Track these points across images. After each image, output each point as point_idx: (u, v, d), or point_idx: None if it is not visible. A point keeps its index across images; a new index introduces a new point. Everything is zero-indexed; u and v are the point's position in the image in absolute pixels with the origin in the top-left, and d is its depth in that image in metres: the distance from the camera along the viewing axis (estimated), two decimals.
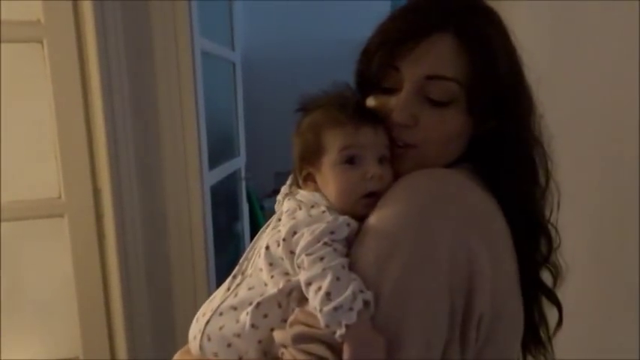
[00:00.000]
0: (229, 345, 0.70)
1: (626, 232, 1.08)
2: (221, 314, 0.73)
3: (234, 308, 0.72)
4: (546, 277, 0.83)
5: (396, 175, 0.74)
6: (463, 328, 0.64)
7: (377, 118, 0.74)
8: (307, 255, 0.64)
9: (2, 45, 1.61)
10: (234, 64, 2.77)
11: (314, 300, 0.61)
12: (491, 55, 0.72)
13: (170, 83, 1.85)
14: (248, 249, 0.81)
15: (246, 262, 0.79)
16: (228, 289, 0.76)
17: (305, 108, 0.79)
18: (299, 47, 3.77)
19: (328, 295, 0.60)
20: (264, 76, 3.63)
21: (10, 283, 1.78)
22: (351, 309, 0.58)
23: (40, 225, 1.75)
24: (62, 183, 1.69)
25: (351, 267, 0.64)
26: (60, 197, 1.71)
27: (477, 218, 0.68)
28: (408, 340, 0.61)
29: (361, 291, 0.60)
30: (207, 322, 0.74)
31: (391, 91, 0.75)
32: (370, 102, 0.78)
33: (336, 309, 0.59)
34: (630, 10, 1.04)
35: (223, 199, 2.65)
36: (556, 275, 0.82)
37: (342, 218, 0.68)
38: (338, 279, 0.61)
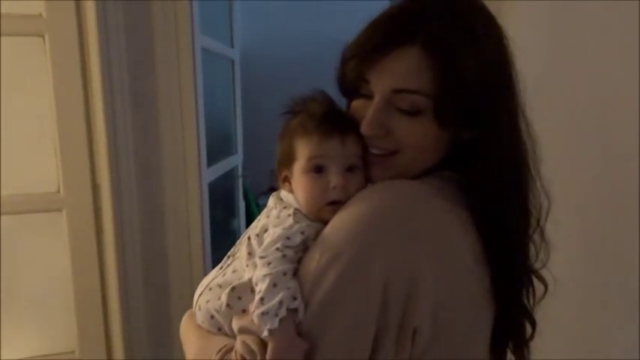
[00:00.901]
0: (212, 317, 0.78)
1: (624, 233, 1.09)
2: (210, 289, 0.80)
3: (220, 286, 0.78)
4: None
5: (372, 182, 0.77)
6: (398, 337, 0.68)
7: (348, 128, 0.76)
8: (261, 258, 0.70)
9: (3, 38, 1.61)
10: (233, 62, 2.78)
11: (254, 301, 0.68)
12: (455, 67, 0.70)
13: (170, 80, 1.86)
14: (243, 233, 0.86)
15: (239, 246, 0.85)
16: (221, 267, 0.84)
17: (290, 112, 0.81)
18: (298, 46, 3.77)
19: (262, 300, 0.67)
20: (262, 75, 3.63)
21: (7, 276, 1.78)
22: (276, 315, 0.65)
23: (39, 219, 1.76)
24: (61, 177, 1.70)
25: (297, 272, 0.69)
26: (59, 192, 1.71)
27: (425, 235, 0.69)
28: (326, 349, 0.65)
29: (294, 298, 0.66)
30: (200, 294, 0.82)
31: (370, 97, 0.76)
32: (353, 106, 0.80)
33: (263, 314, 0.66)
34: (630, 10, 1.04)
35: (220, 196, 2.66)
36: (537, 290, 0.83)
37: (298, 226, 0.73)
38: (274, 285, 0.67)
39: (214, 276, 0.83)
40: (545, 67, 1.29)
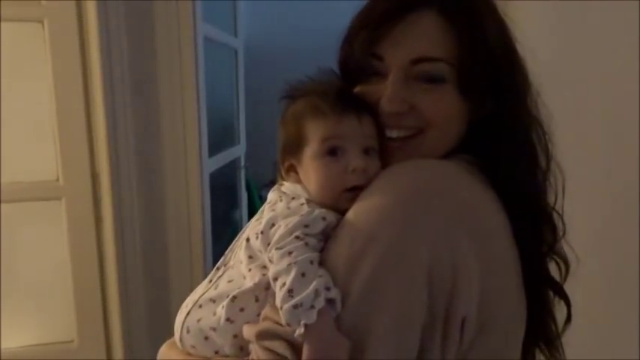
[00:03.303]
0: (206, 338, 0.69)
1: (631, 227, 1.08)
2: (200, 306, 0.71)
3: (213, 301, 0.69)
4: (554, 270, 0.78)
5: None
6: (445, 329, 0.60)
7: (363, 107, 0.69)
8: (277, 249, 0.61)
9: (2, 24, 1.59)
10: (236, 51, 2.75)
11: (278, 296, 0.59)
12: (480, 31, 0.66)
13: (171, 68, 1.84)
14: (234, 241, 0.79)
15: (230, 254, 0.76)
16: (210, 280, 0.74)
17: (290, 96, 0.75)
18: (301, 36, 3.74)
19: (290, 292, 0.57)
20: (266, 66, 3.60)
21: (6, 265, 1.78)
22: (312, 307, 0.56)
23: (38, 207, 1.75)
24: (60, 166, 1.68)
25: (323, 263, 0.61)
26: (58, 180, 1.70)
27: (466, 214, 0.63)
28: (375, 342, 0.57)
29: (327, 288, 0.57)
30: (188, 313, 0.72)
31: (378, 76, 0.70)
32: (359, 91, 0.73)
33: (295, 307, 0.56)
34: (632, 9, 1.03)
35: (222, 187, 2.64)
36: (564, 268, 0.77)
37: (318, 211, 0.65)
38: (303, 275, 0.58)
39: (203, 291, 0.73)
40: (551, 60, 1.28)
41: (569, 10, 1.28)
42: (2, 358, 1.74)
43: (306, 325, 0.55)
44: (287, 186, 0.73)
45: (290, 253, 0.60)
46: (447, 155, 0.71)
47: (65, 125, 1.66)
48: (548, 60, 1.28)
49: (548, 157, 0.74)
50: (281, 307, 0.57)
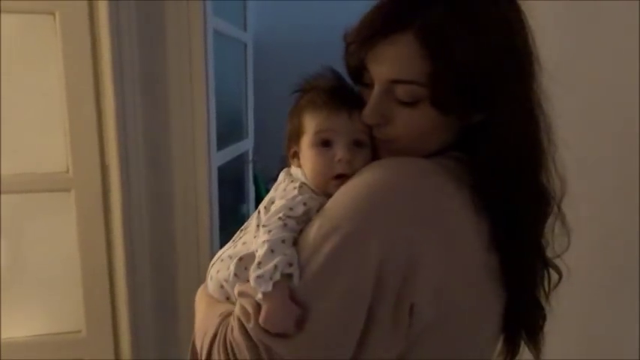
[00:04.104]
0: (221, 287, 0.83)
1: (632, 227, 1.07)
2: (222, 260, 0.84)
3: (230, 257, 0.81)
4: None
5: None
6: (395, 313, 0.68)
7: (357, 104, 0.77)
8: (263, 226, 0.73)
9: (13, 16, 1.60)
10: (245, 45, 2.75)
11: (252, 266, 0.70)
12: (447, 54, 0.68)
13: (181, 61, 1.84)
14: (257, 208, 0.88)
15: (250, 220, 0.88)
16: (233, 240, 0.88)
17: (300, 90, 0.84)
18: (310, 31, 3.73)
19: (259, 264, 0.68)
20: (274, 60, 3.60)
21: (15, 256, 1.79)
22: (270, 279, 0.66)
23: (47, 198, 1.76)
24: (70, 158, 1.70)
25: (297, 242, 0.71)
26: (67, 171, 1.71)
27: (429, 213, 0.69)
28: (319, 315, 0.67)
29: (290, 264, 0.67)
30: (212, 265, 0.87)
31: (370, 84, 0.76)
32: (361, 92, 0.80)
33: (258, 277, 0.67)
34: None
35: (230, 181, 2.65)
36: (556, 277, 0.82)
37: (301, 197, 0.75)
38: (272, 251, 0.69)
39: (227, 248, 0.87)
40: (558, 61, 1.27)
41: (583, 9, 1.27)
42: (11, 346, 1.76)
43: (263, 293, 0.66)
44: (293, 169, 0.84)
45: (269, 231, 0.71)
46: (437, 153, 0.77)
47: (75, 117, 1.67)
48: (560, 60, 1.28)
49: (547, 166, 0.77)
50: (250, 275, 0.69)
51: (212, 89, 1.99)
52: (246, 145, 2.82)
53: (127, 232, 1.78)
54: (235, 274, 0.76)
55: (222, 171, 2.21)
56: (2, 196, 1.69)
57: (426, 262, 0.67)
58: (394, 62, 0.71)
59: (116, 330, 1.83)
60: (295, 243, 0.71)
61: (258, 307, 0.68)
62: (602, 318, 1.20)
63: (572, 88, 1.25)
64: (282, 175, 0.84)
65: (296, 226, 0.72)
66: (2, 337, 1.74)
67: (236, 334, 0.69)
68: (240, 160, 2.77)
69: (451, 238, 0.70)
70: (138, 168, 1.81)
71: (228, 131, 2.41)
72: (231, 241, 0.89)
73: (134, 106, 1.77)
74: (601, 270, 1.20)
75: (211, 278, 0.86)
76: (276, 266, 0.67)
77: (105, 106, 1.69)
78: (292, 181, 0.80)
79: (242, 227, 0.89)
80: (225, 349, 0.70)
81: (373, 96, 0.74)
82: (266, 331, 0.66)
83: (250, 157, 2.92)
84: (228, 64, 2.57)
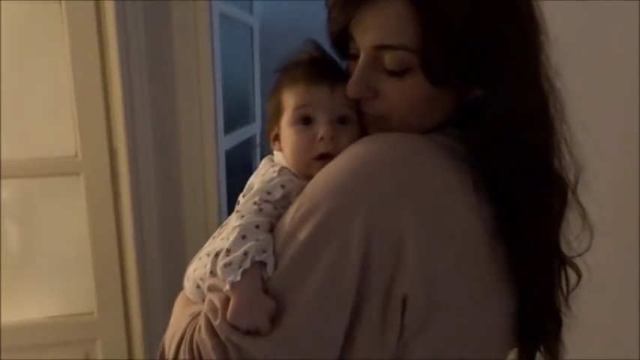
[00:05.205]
0: (197, 287, 0.74)
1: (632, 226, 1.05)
2: (200, 259, 0.76)
3: (208, 254, 0.73)
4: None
5: None
6: (385, 306, 0.59)
7: (341, 76, 0.70)
8: (237, 212, 0.65)
9: (20, 3, 1.61)
10: (252, 29, 2.74)
11: (221, 255, 0.62)
12: (442, 17, 0.61)
13: (187, 44, 1.84)
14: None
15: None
16: (214, 237, 0.79)
17: (280, 69, 0.76)
18: (317, 14, 3.70)
19: (227, 252, 0.61)
20: (281, 43, 3.58)
21: (26, 239, 1.82)
22: (239, 267, 0.58)
23: (56, 183, 1.78)
24: (79, 142, 1.71)
25: (275, 228, 0.63)
26: (76, 156, 1.73)
27: (418, 192, 0.59)
28: (297, 309, 0.58)
29: (264, 251, 0.59)
30: (190, 264, 0.78)
31: (356, 55, 0.68)
32: (348, 67, 0.72)
33: (226, 265, 0.59)
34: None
35: (238, 165, 2.66)
36: (576, 278, 0.74)
37: (278, 179, 0.67)
38: (243, 237, 0.61)
39: (206, 246, 0.79)
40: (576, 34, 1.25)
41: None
42: (24, 328, 1.80)
43: (231, 283, 0.58)
44: (275, 153, 0.76)
45: (242, 216, 0.63)
46: (434, 129, 0.68)
47: (83, 102, 1.68)
48: (571, 43, 1.26)
49: (558, 148, 0.69)
50: (217, 265, 0.61)
51: (219, 72, 1.99)
52: (253, 129, 2.83)
53: (136, 215, 1.80)
54: (211, 272, 0.66)
55: (230, 155, 2.22)
56: (12, 180, 1.71)
57: (416, 245, 0.58)
58: (381, 26, 0.64)
59: (127, 311, 1.86)
60: (272, 230, 0.62)
61: (227, 301, 0.59)
62: (602, 319, 1.14)
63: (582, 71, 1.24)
64: (263, 162, 0.77)
65: (273, 211, 0.64)
66: (15, 319, 1.78)
67: (202, 333, 0.60)
68: (247, 144, 2.78)
69: (448, 220, 0.60)
70: (146, 151, 1.82)
71: (235, 115, 2.41)
72: (211, 237, 0.81)
73: (141, 89, 1.78)
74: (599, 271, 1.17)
75: (188, 279, 0.77)
76: (246, 252, 0.59)
77: (112, 91, 1.70)
78: (272, 166, 0.72)
79: (222, 223, 0.80)
80: (191, 349, 0.61)
81: (358, 66, 0.66)
82: (235, 328, 0.57)
83: (258, 141, 2.92)
84: (235, 47, 2.56)
